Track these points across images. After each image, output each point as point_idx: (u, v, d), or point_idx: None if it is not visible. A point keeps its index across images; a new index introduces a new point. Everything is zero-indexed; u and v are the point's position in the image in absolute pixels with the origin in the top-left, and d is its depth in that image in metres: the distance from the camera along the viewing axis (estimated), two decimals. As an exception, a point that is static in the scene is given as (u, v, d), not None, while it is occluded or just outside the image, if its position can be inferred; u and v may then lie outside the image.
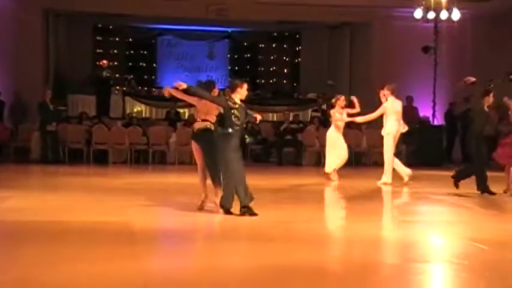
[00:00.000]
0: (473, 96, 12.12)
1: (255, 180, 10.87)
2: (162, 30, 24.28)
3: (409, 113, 16.30)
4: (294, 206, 9.78)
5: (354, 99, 13.56)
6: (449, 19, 18.46)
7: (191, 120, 16.43)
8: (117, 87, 21.17)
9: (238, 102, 8.43)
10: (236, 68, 24.83)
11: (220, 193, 8.50)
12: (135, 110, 21.23)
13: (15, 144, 18.00)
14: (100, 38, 24.09)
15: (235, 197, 8.27)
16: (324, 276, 5.59)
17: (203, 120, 8.79)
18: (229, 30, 24.15)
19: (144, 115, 21.20)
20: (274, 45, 25.20)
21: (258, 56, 25.21)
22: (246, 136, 17.93)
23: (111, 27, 24.11)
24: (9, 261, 5.86)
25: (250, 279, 5.42)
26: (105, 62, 20.45)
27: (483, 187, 11.10)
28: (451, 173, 11.66)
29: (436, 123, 19.22)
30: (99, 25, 23.93)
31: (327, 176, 13.46)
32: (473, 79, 11.59)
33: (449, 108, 19.80)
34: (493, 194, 11.04)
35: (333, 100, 13.73)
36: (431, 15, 18.44)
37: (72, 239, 6.86)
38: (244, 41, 25.10)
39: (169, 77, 22.93)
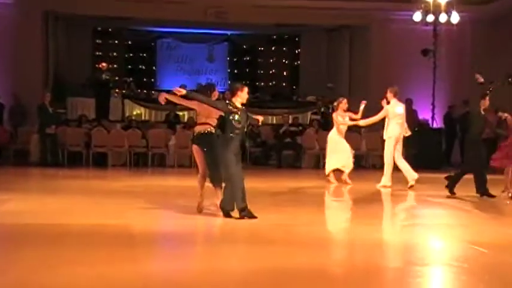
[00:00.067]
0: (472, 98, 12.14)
1: (255, 183, 10.88)
2: (161, 33, 24.25)
3: (408, 116, 16.26)
4: (293, 209, 9.77)
5: (362, 105, 13.18)
6: (448, 22, 18.45)
7: (191, 123, 16.42)
8: (117, 90, 21.12)
9: (239, 106, 8.32)
10: (235, 70, 24.79)
11: (220, 195, 8.50)
12: (135, 112, 21.19)
13: (15, 147, 18.01)
14: (99, 41, 24.06)
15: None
16: (324, 280, 5.59)
17: (204, 124, 8.71)
18: (229, 33, 24.14)
19: (143, 118, 21.15)
20: (273, 48, 25.16)
21: (258, 59, 25.15)
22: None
23: (110, 30, 24.07)
24: (9, 264, 5.85)
25: (250, 282, 5.42)
26: (104, 64, 20.42)
27: (483, 190, 11.10)
28: (444, 176, 11.71)
29: (435, 126, 19.21)
30: (99, 28, 23.91)
31: (327, 178, 13.45)
32: (482, 79, 11.56)
33: (448, 111, 19.80)
34: (492, 196, 11.04)
35: (335, 103, 13.67)
36: (430, 18, 18.43)
37: (71, 241, 6.86)
38: (243, 44, 25.07)
39: (168, 80, 22.95)
